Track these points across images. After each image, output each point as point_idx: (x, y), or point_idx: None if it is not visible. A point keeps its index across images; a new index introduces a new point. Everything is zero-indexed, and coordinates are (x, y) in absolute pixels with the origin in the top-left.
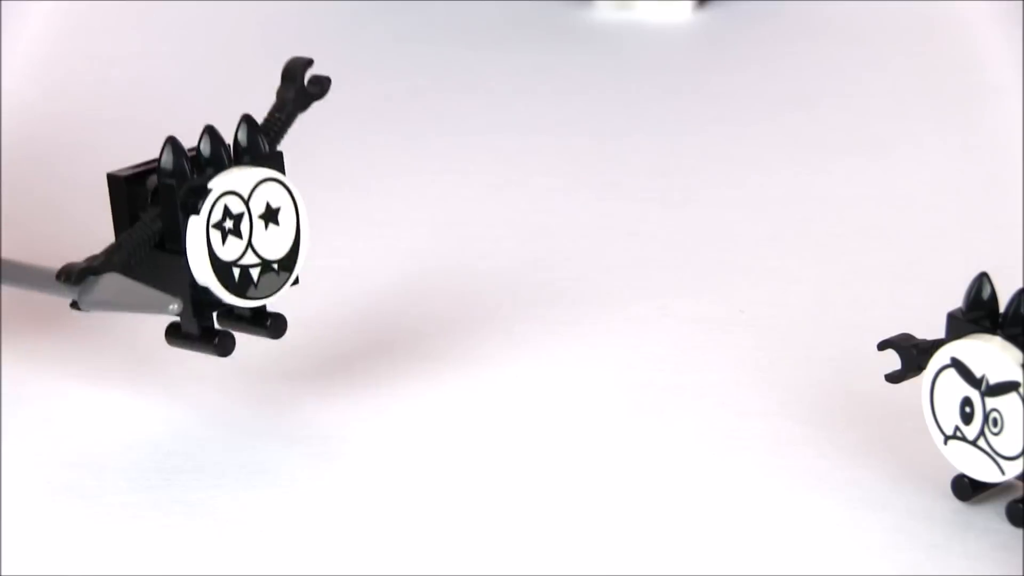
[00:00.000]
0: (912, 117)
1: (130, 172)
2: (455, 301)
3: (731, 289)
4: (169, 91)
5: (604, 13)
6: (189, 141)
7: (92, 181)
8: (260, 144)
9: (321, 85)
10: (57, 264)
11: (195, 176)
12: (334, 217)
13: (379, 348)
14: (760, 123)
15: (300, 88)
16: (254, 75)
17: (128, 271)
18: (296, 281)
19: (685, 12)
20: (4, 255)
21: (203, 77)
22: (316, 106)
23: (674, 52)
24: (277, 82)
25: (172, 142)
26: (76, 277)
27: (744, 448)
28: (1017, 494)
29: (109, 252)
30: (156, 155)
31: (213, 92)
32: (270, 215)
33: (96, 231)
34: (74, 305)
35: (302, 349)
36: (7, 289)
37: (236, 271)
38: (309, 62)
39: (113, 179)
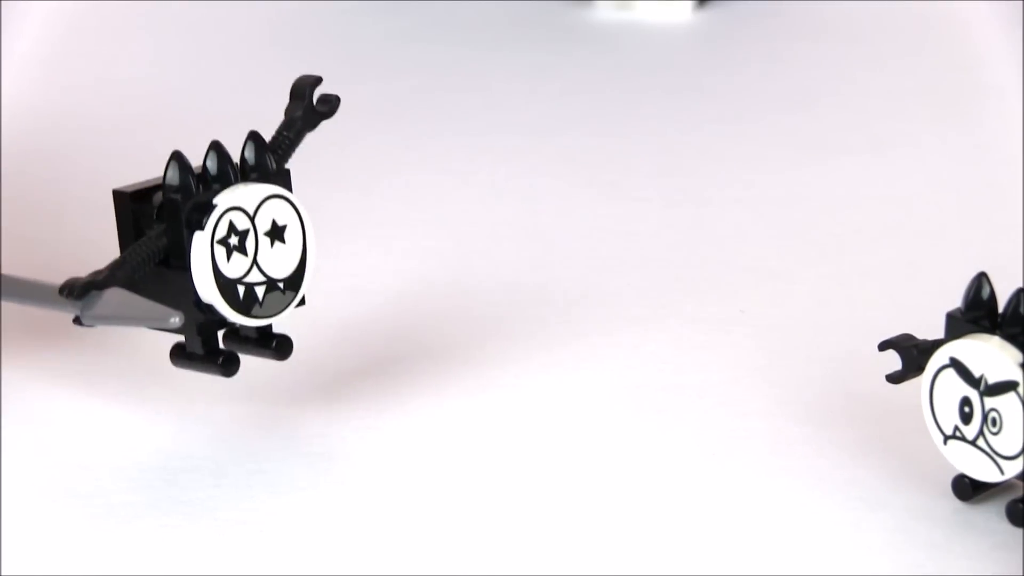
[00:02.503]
0: (912, 117)
1: (135, 188)
2: (454, 301)
3: (731, 289)
4: (169, 91)
5: (604, 13)
6: (190, 141)
7: (92, 182)
8: (267, 162)
9: (330, 104)
10: (59, 274)
11: (201, 192)
12: (333, 217)
13: (379, 348)
14: (760, 123)
15: (308, 107)
16: (255, 75)
17: (132, 287)
18: (303, 301)
19: (685, 12)
20: (5, 257)
21: (203, 77)
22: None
23: (674, 52)
24: (277, 81)
25: (178, 157)
26: (79, 292)
27: (744, 448)
28: (1017, 494)
29: (113, 267)
30: (161, 169)
31: (213, 92)
32: (276, 233)
33: (96, 233)
34: (77, 320)
35: (301, 350)
36: (8, 302)
37: (241, 289)
38: (318, 80)
39: (119, 195)
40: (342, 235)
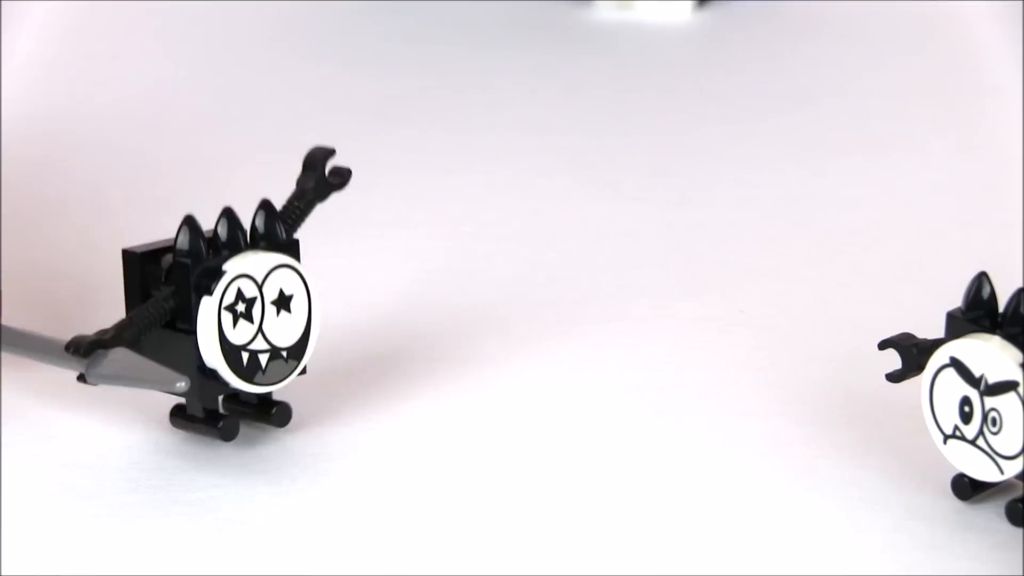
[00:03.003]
0: (912, 117)
1: (145, 249)
2: (454, 301)
3: (731, 289)
4: (169, 91)
5: (604, 13)
6: (190, 141)
7: (93, 183)
8: (278, 231)
9: (342, 176)
10: (60, 274)
11: (211, 257)
12: (333, 217)
13: (379, 348)
14: (760, 123)
15: (321, 178)
16: (255, 75)
17: (136, 348)
18: (304, 371)
19: (685, 12)
20: (5, 258)
21: (203, 77)
22: (316, 106)
23: (674, 52)
24: (278, 82)
25: (189, 222)
26: (85, 350)
27: (744, 448)
28: (1017, 493)
29: (120, 327)
30: (161, 171)
31: (214, 92)
32: (283, 302)
33: (96, 235)
34: (81, 378)
35: None
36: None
37: (245, 355)
38: (331, 152)
39: (128, 255)
40: (342, 235)
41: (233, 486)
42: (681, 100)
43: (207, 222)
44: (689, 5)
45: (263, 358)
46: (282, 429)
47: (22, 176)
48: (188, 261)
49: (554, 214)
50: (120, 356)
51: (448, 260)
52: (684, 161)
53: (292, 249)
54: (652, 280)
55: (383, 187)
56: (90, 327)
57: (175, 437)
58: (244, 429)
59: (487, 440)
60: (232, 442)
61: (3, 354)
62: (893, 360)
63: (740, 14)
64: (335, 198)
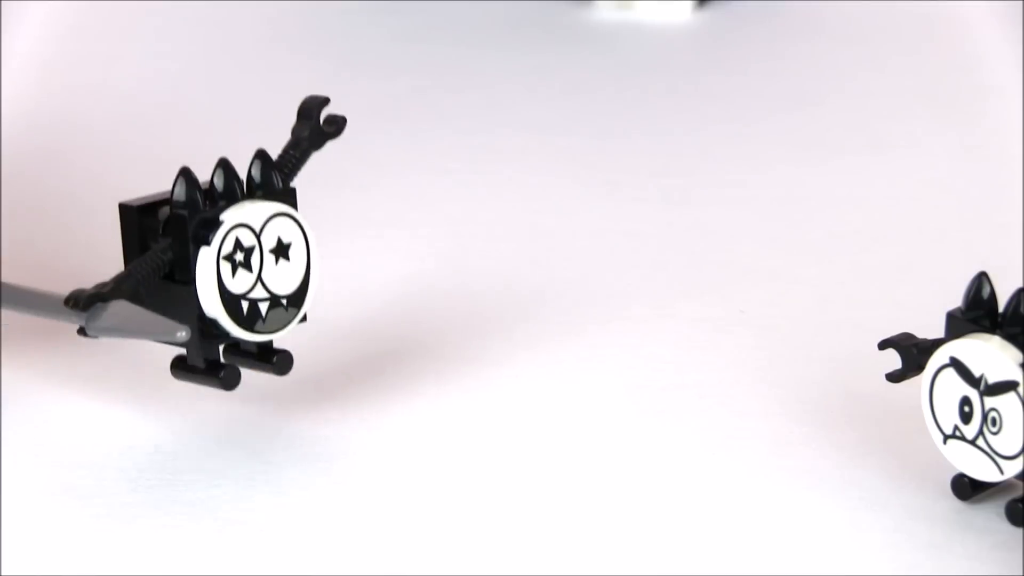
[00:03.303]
0: (912, 117)
1: (142, 202)
2: (454, 301)
3: (731, 289)
4: (170, 91)
5: (604, 13)
6: (189, 141)
7: (93, 183)
8: (274, 180)
9: (336, 124)
10: (60, 275)
11: (207, 208)
12: (333, 217)
13: (379, 348)
14: (760, 123)
15: (315, 126)
16: (255, 74)
17: (137, 300)
18: (304, 318)
19: (685, 12)
20: (5, 258)
21: (203, 77)
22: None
23: (674, 52)
24: (278, 82)
25: (185, 173)
26: (84, 303)
27: (744, 448)
28: (1017, 493)
29: (118, 280)
30: (160, 169)
31: (214, 92)
32: (281, 250)
33: (97, 234)
34: (81, 331)
35: (301, 350)
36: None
37: (245, 304)
38: (325, 101)
39: (125, 208)
40: (342, 235)
41: (233, 486)
42: (681, 100)
43: (203, 177)
44: (689, 5)
45: (263, 307)
46: (281, 429)
47: (22, 176)
48: (185, 212)
49: (554, 214)
50: (119, 308)
51: (448, 260)
52: (684, 161)
53: (289, 197)
54: (652, 280)
55: (383, 187)
56: (90, 284)
57: (175, 437)
58: (243, 429)
59: (487, 440)
60: (232, 442)
61: (3, 314)
62: (893, 360)
63: (740, 14)
64: (336, 198)
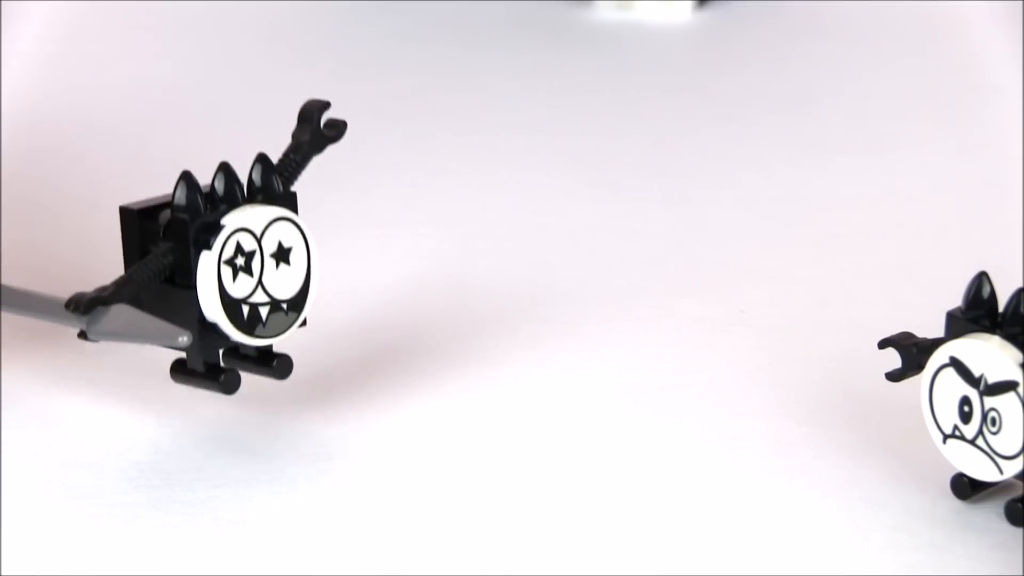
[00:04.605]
0: (912, 117)
1: (142, 206)
2: (455, 301)
3: (731, 289)
4: (170, 91)
5: (604, 13)
6: (189, 141)
7: (93, 182)
8: (274, 184)
9: (337, 128)
10: (60, 275)
11: (208, 212)
12: (334, 217)
13: (379, 348)
14: (760, 123)
15: (316, 130)
16: (255, 74)
17: (137, 303)
18: (304, 323)
19: (685, 12)
20: (5, 258)
21: (203, 77)
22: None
23: (674, 52)
24: (278, 82)
25: (186, 177)
26: (85, 307)
27: (744, 448)
28: (1016, 493)
29: (119, 284)
30: (160, 169)
31: (214, 91)
32: (282, 254)
33: (96, 234)
34: (82, 335)
35: (301, 350)
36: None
37: (245, 309)
38: (326, 105)
39: (125, 212)
40: (342, 235)
41: (233, 486)
42: (681, 100)
43: (204, 180)
44: (689, 5)
45: (263, 311)
46: (281, 429)
47: (22, 176)
48: (186, 216)
49: (554, 214)
50: (120, 312)
51: (448, 260)
52: (684, 161)
53: (290, 202)
54: (652, 280)
55: (383, 187)
56: (89, 286)
57: (175, 437)
58: (243, 430)
59: (487, 440)
60: (232, 442)
61: (3, 315)
62: (893, 360)
63: (740, 14)
64: (336, 198)
